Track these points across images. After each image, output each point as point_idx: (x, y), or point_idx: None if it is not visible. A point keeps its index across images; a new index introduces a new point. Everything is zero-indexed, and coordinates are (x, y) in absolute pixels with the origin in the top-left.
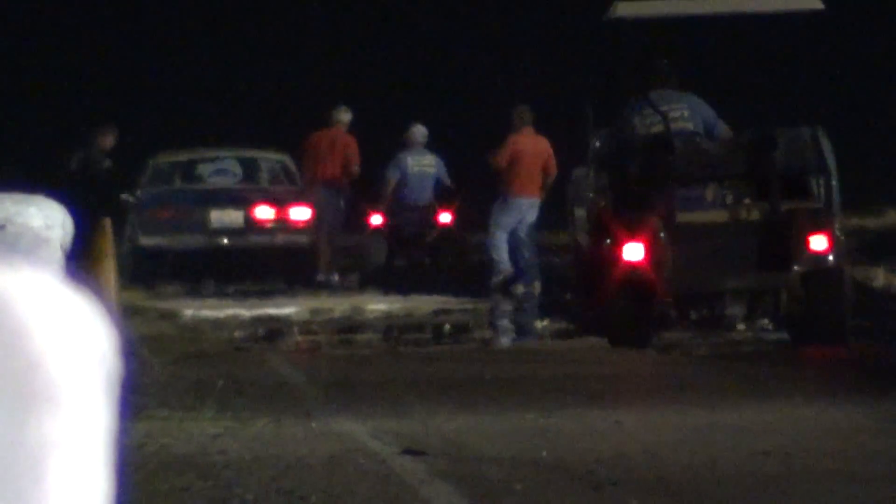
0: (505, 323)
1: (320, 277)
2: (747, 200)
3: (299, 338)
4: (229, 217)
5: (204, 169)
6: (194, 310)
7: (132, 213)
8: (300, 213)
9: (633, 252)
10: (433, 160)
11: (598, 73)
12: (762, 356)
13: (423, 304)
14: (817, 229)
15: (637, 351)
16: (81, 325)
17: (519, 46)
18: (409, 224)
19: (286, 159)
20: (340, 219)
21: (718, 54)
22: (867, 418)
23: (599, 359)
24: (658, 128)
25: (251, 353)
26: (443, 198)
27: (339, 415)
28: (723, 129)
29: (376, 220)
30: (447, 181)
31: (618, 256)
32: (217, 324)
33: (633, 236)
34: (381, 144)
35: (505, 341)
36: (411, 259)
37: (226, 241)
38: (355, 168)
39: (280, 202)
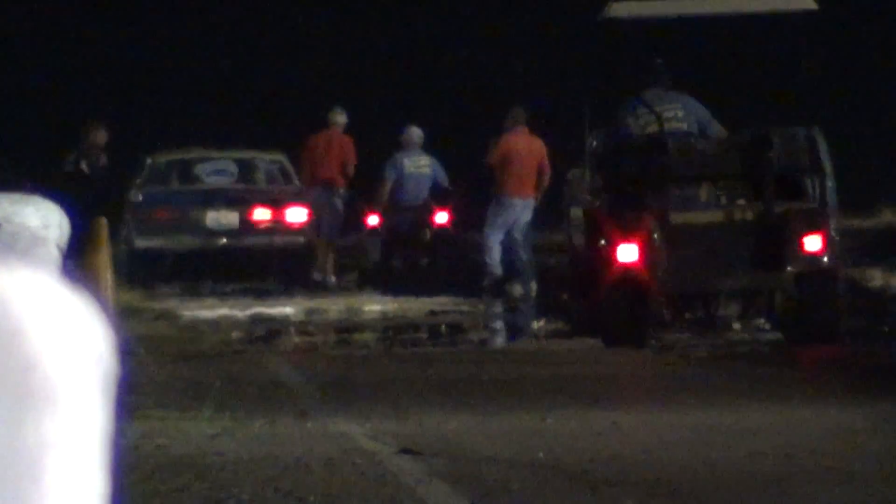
0: (499, 324)
1: (316, 276)
2: (742, 201)
3: (296, 338)
4: (226, 218)
5: (200, 169)
6: (191, 310)
7: (128, 214)
8: (296, 214)
9: (628, 252)
10: (429, 161)
11: (593, 74)
12: (759, 357)
13: (420, 304)
14: (812, 230)
15: (634, 351)
16: (78, 325)
17: (514, 47)
18: (406, 225)
19: (283, 160)
20: (339, 220)
21: (713, 54)
22: (865, 419)
23: (596, 359)
24: (652, 128)
25: (248, 353)
26: (439, 198)
27: (336, 415)
28: (717, 129)
29: (373, 220)
30: (443, 182)
31: (612, 257)
32: (214, 324)
33: (627, 237)
34: (377, 145)
35: (500, 342)
36: (408, 260)
37: (222, 241)
38: (350, 169)
39: (276, 203)
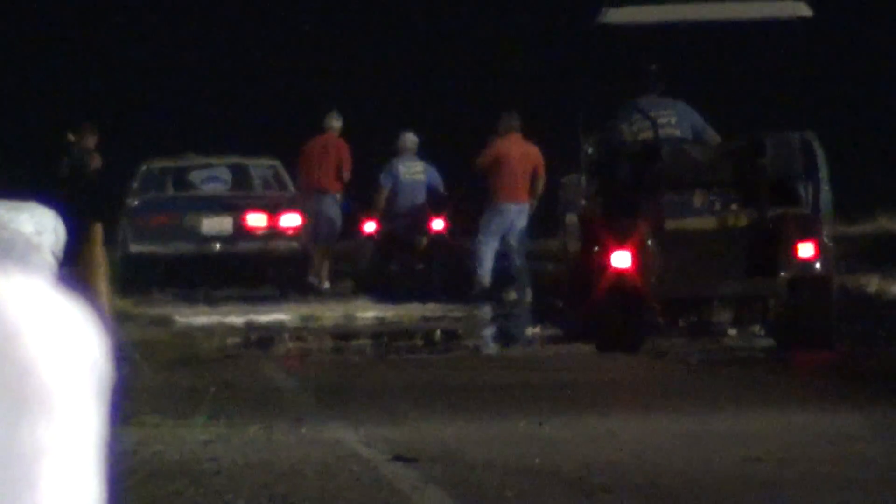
0: (492, 330)
1: (312, 279)
2: (735, 207)
3: (291, 344)
4: (220, 224)
5: (195, 176)
6: (186, 316)
7: (124, 219)
8: (291, 220)
9: (621, 259)
10: (424, 167)
11: (588, 80)
12: (754, 362)
13: (415, 310)
14: (805, 236)
15: (628, 357)
16: (73, 331)
17: (509, 53)
18: (402, 231)
19: (277, 166)
20: (336, 226)
21: (707, 60)
22: (860, 424)
23: (591, 365)
24: (646, 134)
25: (243, 359)
26: (435, 205)
27: (331, 421)
28: (711, 136)
29: (369, 227)
30: (439, 188)
31: (606, 263)
32: (209, 330)
33: (621, 243)
34: (373, 151)
35: (494, 348)
36: (403, 266)
37: (217, 247)
38: (346, 173)
39: (271, 209)
